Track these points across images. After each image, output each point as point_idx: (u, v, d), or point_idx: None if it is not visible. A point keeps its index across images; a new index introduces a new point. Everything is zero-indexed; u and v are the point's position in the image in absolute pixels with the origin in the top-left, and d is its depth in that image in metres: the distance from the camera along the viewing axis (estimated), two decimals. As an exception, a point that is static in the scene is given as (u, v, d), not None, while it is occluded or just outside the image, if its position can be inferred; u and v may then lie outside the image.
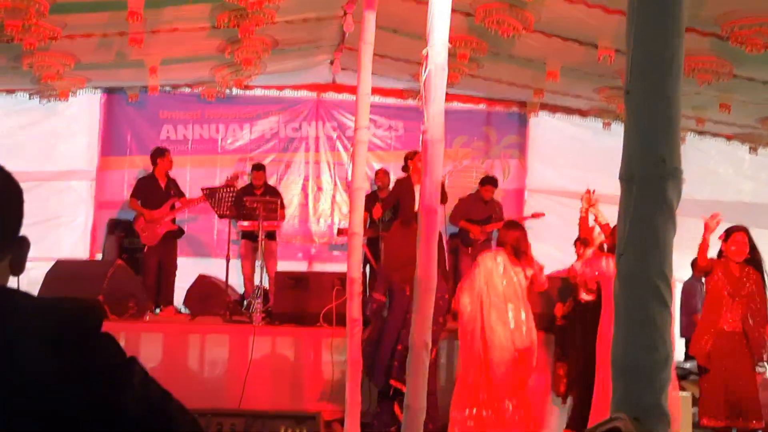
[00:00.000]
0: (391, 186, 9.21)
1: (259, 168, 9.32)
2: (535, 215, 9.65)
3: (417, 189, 7.82)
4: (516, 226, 6.75)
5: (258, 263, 8.19)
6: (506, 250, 6.40)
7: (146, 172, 9.24)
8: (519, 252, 6.36)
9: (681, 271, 8.87)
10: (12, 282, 1.26)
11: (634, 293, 1.66)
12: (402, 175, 8.98)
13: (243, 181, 9.34)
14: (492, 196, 9.44)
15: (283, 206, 9.20)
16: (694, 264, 9.40)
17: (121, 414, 1.13)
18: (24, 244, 1.30)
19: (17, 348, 1.10)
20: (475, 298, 6.28)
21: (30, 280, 7.01)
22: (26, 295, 1.19)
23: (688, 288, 9.53)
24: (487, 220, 9.12)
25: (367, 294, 8.05)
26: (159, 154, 8.90)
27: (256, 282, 7.92)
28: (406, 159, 8.80)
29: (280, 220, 9.05)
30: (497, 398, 6.11)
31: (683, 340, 9.25)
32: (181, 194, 9.01)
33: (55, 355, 1.11)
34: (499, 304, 6.21)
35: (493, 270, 6.30)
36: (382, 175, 9.45)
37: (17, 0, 5.52)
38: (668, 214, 1.65)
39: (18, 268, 1.29)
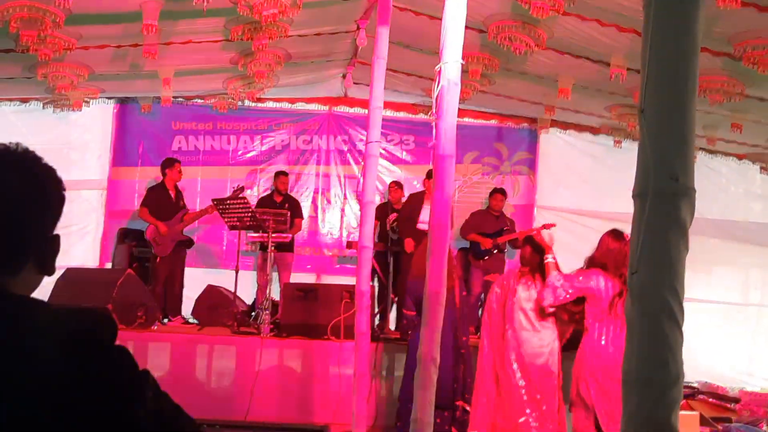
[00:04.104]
0: (404, 199, 9.22)
1: (284, 174, 9.50)
2: (546, 226, 9.60)
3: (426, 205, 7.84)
4: None
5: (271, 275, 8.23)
6: None
7: (156, 182, 9.26)
8: None
9: (693, 290, 8.78)
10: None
11: (645, 310, 1.66)
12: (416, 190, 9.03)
13: (252, 192, 9.38)
14: (502, 207, 9.40)
15: (300, 216, 9.30)
16: None
17: (133, 427, 1.14)
18: (54, 242, 1.29)
19: (33, 357, 1.11)
20: None
21: (39, 287, 7.03)
22: (42, 304, 1.19)
23: None
24: (499, 234, 9.09)
25: (376, 308, 8.06)
26: (168, 164, 8.92)
27: (267, 293, 7.92)
28: (428, 175, 8.80)
29: (296, 230, 9.15)
30: None
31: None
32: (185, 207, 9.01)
33: (70, 366, 1.12)
34: None
35: None
36: (395, 187, 9.46)
37: (33, 11, 5.58)
38: (681, 232, 1.66)
39: (44, 267, 1.28)
